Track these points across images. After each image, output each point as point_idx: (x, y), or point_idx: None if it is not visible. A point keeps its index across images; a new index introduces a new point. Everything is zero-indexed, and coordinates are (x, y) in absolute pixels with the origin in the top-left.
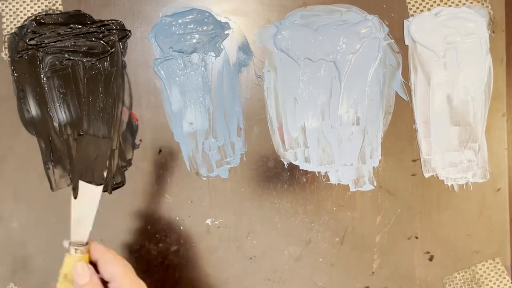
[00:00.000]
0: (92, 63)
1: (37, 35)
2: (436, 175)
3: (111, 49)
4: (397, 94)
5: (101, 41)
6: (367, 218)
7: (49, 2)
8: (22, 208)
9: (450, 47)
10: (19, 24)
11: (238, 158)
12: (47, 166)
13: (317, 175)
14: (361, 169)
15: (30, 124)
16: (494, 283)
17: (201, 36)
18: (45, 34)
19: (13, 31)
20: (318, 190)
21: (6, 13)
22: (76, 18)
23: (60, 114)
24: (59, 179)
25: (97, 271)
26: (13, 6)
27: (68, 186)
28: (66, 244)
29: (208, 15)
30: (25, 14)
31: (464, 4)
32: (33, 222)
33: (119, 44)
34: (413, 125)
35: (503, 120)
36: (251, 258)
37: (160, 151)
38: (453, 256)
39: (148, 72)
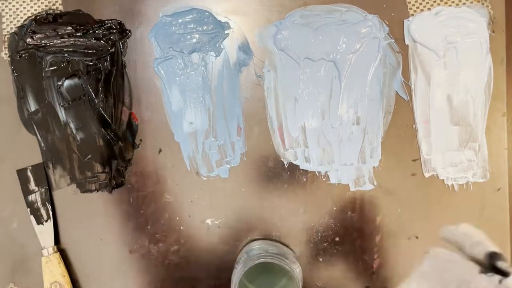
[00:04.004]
0: (92, 63)
1: (37, 34)
2: (436, 175)
3: (111, 48)
4: (397, 94)
5: (101, 41)
6: (367, 218)
7: (49, 2)
8: (22, 208)
9: (450, 47)
10: (19, 24)
11: (238, 158)
12: (47, 166)
13: (317, 175)
14: (361, 169)
15: (30, 124)
16: None
17: (201, 36)
18: (45, 33)
19: (13, 30)
20: (318, 190)
21: (6, 12)
22: (76, 17)
23: (60, 114)
24: (59, 178)
25: None
26: (13, 6)
27: (68, 185)
28: None
29: (208, 14)
30: (25, 14)
31: (464, 3)
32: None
33: (119, 44)
34: (413, 125)
35: (503, 120)
36: None
37: (160, 151)
38: None
39: (148, 72)
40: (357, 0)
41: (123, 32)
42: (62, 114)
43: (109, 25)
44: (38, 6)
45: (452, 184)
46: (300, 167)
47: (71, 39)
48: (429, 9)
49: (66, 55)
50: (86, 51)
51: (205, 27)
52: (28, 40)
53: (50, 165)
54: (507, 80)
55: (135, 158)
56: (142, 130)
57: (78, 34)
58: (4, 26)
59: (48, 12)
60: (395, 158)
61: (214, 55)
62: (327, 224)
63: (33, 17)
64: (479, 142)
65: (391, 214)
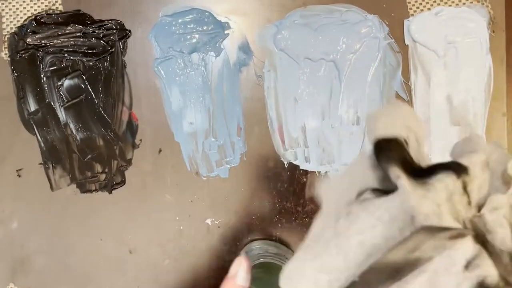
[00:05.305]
0: (92, 63)
1: (37, 34)
2: None
3: (111, 48)
4: (397, 94)
5: (101, 41)
6: None
7: (49, 2)
8: (22, 208)
9: (450, 47)
10: (19, 24)
11: (238, 158)
12: (47, 166)
13: (317, 175)
14: None
15: (30, 124)
16: None
17: (201, 36)
18: (45, 34)
19: (13, 30)
20: None
21: (6, 12)
22: (76, 18)
23: (60, 114)
24: (59, 179)
25: None
26: (13, 6)
27: (68, 186)
28: None
29: (208, 14)
30: (25, 14)
31: (464, 3)
32: (32, 222)
33: (119, 44)
34: None
35: (503, 120)
36: None
37: (160, 151)
38: None
39: (148, 72)
40: (357, 0)
41: (123, 32)
42: (62, 114)
43: (109, 25)
44: (38, 6)
45: None
46: (300, 167)
47: (71, 39)
48: (429, 9)
49: (66, 55)
50: (86, 51)
51: (205, 27)
52: (28, 40)
53: (50, 165)
54: (507, 80)
55: (135, 158)
56: (142, 130)
57: (78, 34)
58: (4, 26)
59: (48, 12)
60: None
61: (214, 55)
62: None
63: (33, 17)
64: None
65: None
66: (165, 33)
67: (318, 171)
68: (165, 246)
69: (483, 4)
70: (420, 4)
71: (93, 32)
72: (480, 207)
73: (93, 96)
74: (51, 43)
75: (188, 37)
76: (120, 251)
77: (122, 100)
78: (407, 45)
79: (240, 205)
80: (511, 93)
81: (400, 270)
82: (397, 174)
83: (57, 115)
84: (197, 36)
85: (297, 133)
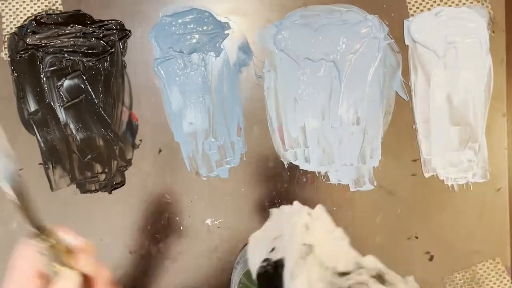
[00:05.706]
0: (92, 63)
1: (37, 35)
2: (436, 175)
3: (111, 49)
4: (397, 94)
5: (101, 41)
6: (367, 218)
7: (49, 2)
8: None
9: (450, 47)
10: (19, 24)
11: (238, 158)
12: (47, 166)
13: (317, 175)
14: (361, 169)
15: (30, 124)
16: (495, 283)
17: (201, 36)
18: (45, 34)
19: (13, 31)
20: (318, 190)
21: (6, 13)
22: (76, 18)
23: (60, 114)
24: (59, 179)
25: None
26: (13, 6)
27: (68, 186)
28: None
29: (208, 15)
30: (25, 14)
31: (464, 4)
32: None
33: (119, 44)
34: (413, 125)
35: (503, 120)
36: None
37: (160, 151)
38: (453, 256)
39: (148, 72)
40: (357, 1)
41: (123, 32)
42: (62, 115)
43: (109, 25)
44: (38, 6)
45: (452, 184)
46: (300, 167)
47: (71, 39)
48: (429, 9)
49: (66, 55)
50: (86, 51)
51: (205, 27)
52: (28, 40)
53: (50, 166)
54: (507, 81)
55: (135, 158)
56: (142, 130)
57: (78, 34)
58: (4, 26)
59: (48, 12)
60: (395, 158)
61: (214, 55)
62: None
63: (33, 17)
64: (479, 142)
65: (391, 214)
66: (165, 33)
67: (318, 171)
68: (165, 247)
69: (483, 4)
70: (420, 4)
71: (93, 32)
72: None
73: (93, 96)
74: (51, 43)
75: (188, 37)
76: (120, 251)
77: (122, 100)
78: (407, 45)
79: (240, 205)
80: (511, 93)
81: None
82: None
83: (57, 115)
84: (197, 36)
85: (297, 133)
